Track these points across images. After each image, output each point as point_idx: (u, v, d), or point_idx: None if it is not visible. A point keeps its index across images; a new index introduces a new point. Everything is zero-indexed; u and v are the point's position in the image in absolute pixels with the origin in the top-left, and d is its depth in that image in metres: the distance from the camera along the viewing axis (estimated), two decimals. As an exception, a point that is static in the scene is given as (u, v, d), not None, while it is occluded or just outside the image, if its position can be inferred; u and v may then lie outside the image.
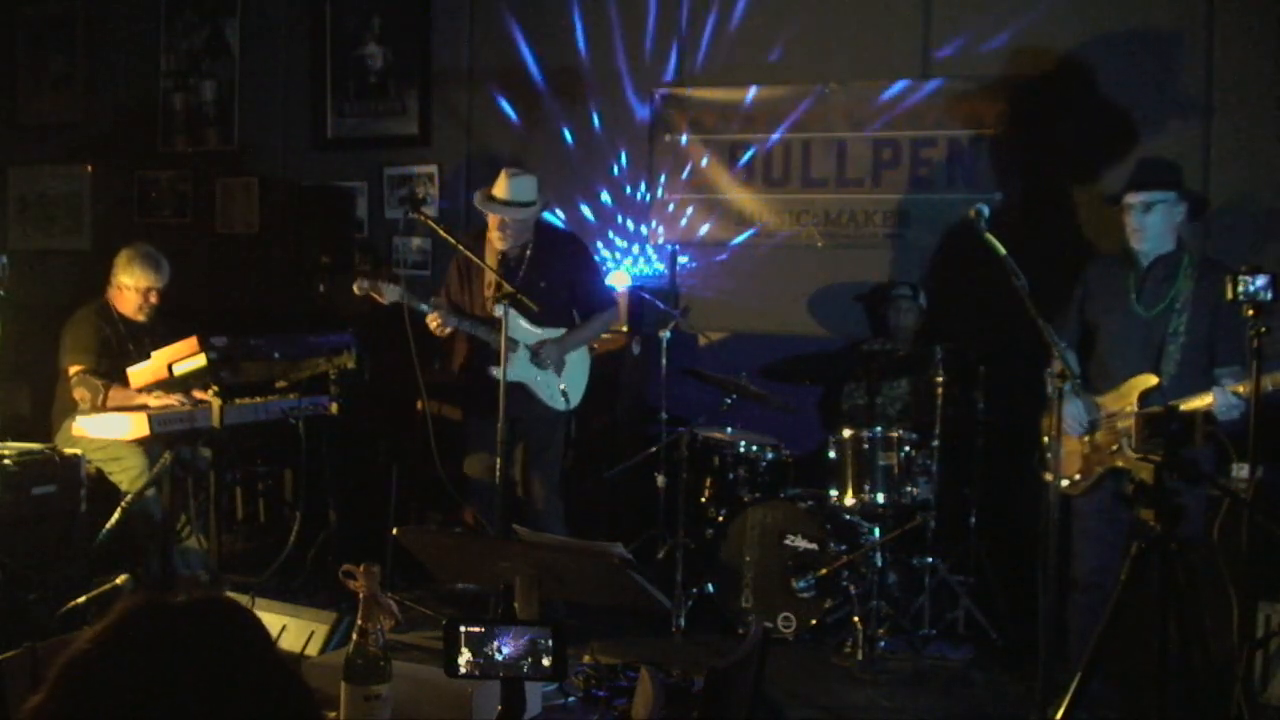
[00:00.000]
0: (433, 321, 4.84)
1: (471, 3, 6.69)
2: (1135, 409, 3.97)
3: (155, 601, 1.25)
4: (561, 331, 5.02)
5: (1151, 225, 4.07)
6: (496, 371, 4.93)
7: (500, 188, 4.95)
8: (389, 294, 4.81)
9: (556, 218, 6.43)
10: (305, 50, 7.10)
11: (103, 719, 1.17)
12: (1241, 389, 3.69)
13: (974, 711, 4.34)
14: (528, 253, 5.04)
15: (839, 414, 5.62)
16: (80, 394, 5.15)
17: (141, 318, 5.42)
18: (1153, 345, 4.06)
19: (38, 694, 1.21)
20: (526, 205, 4.95)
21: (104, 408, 5.04)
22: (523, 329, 4.88)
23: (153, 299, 5.42)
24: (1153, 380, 3.97)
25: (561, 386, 4.98)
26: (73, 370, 5.23)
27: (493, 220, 4.99)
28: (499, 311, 4.92)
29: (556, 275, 5.02)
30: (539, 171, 6.44)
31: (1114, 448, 4.02)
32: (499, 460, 4.66)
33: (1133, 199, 4.09)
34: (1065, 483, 4.19)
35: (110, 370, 5.23)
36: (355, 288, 4.84)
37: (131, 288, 5.37)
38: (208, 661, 1.21)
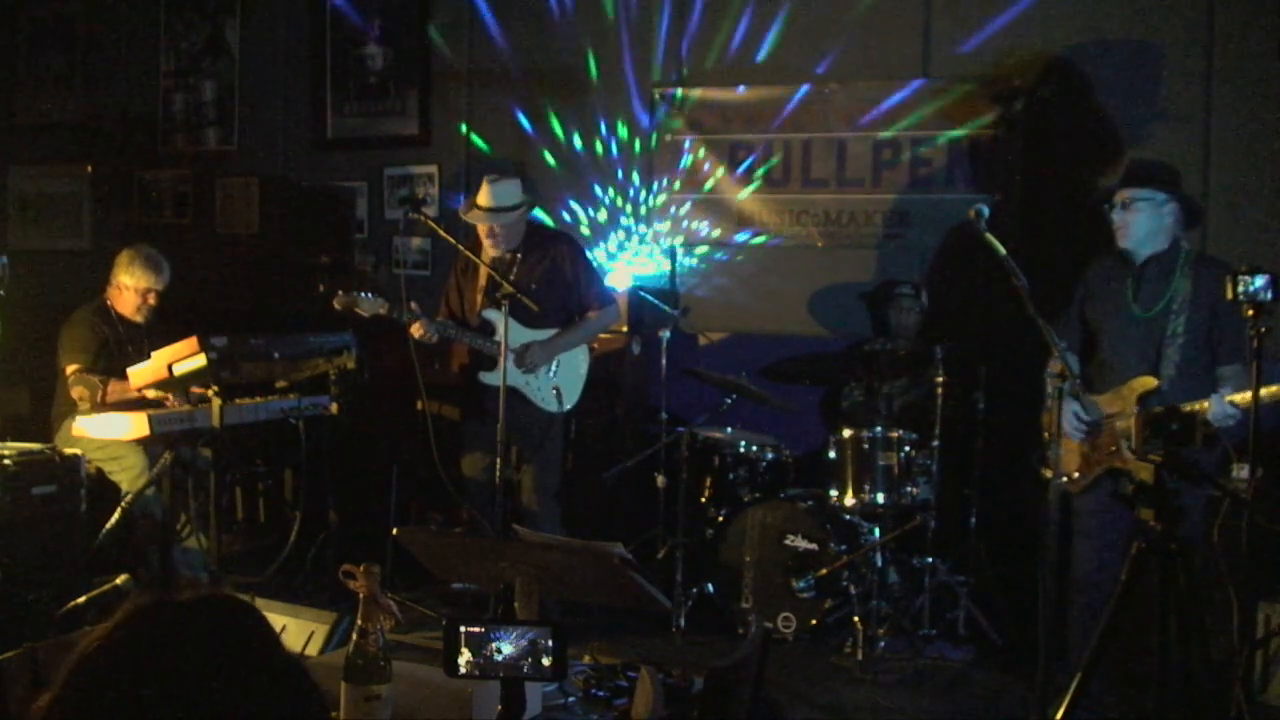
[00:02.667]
0: (416, 331, 4.81)
1: (471, 3, 6.69)
2: (1134, 411, 3.97)
3: (162, 600, 1.25)
4: (551, 333, 5.00)
5: (1135, 224, 4.06)
6: (487, 377, 4.93)
7: (483, 196, 4.95)
8: (367, 307, 4.79)
9: (554, 217, 6.44)
10: (305, 50, 7.10)
11: (113, 718, 1.17)
12: (1238, 399, 3.70)
13: (974, 711, 4.34)
14: (518, 256, 5.03)
15: (839, 414, 5.62)
16: (78, 392, 5.15)
17: (139, 319, 5.42)
18: (1151, 347, 4.04)
19: (47, 693, 1.21)
20: (511, 209, 4.94)
21: (103, 404, 5.04)
22: (512, 332, 4.81)
23: (151, 300, 5.41)
24: (1152, 382, 3.97)
25: (554, 387, 4.96)
26: (69, 369, 5.24)
27: (482, 229, 4.99)
28: (489, 315, 4.92)
29: (548, 275, 5.00)
30: (538, 172, 6.49)
31: (1112, 448, 4.02)
32: (498, 460, 4.66)
33: (1116, 196, 4.10)
34: (1064, 480, 4.19)
35: (108, 370, 5.23)
36: (335, 303, 4.83)
37: (131, 288, 5.37)
38: (215, 659, 1.21)
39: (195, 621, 1.24)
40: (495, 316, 4.84)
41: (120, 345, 5.35)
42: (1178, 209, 4.08)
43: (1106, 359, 4.16)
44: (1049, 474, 4.22)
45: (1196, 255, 4.12)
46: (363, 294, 4.81)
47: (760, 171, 6.08)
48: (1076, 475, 4.20)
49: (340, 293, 4.82)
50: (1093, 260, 4.27)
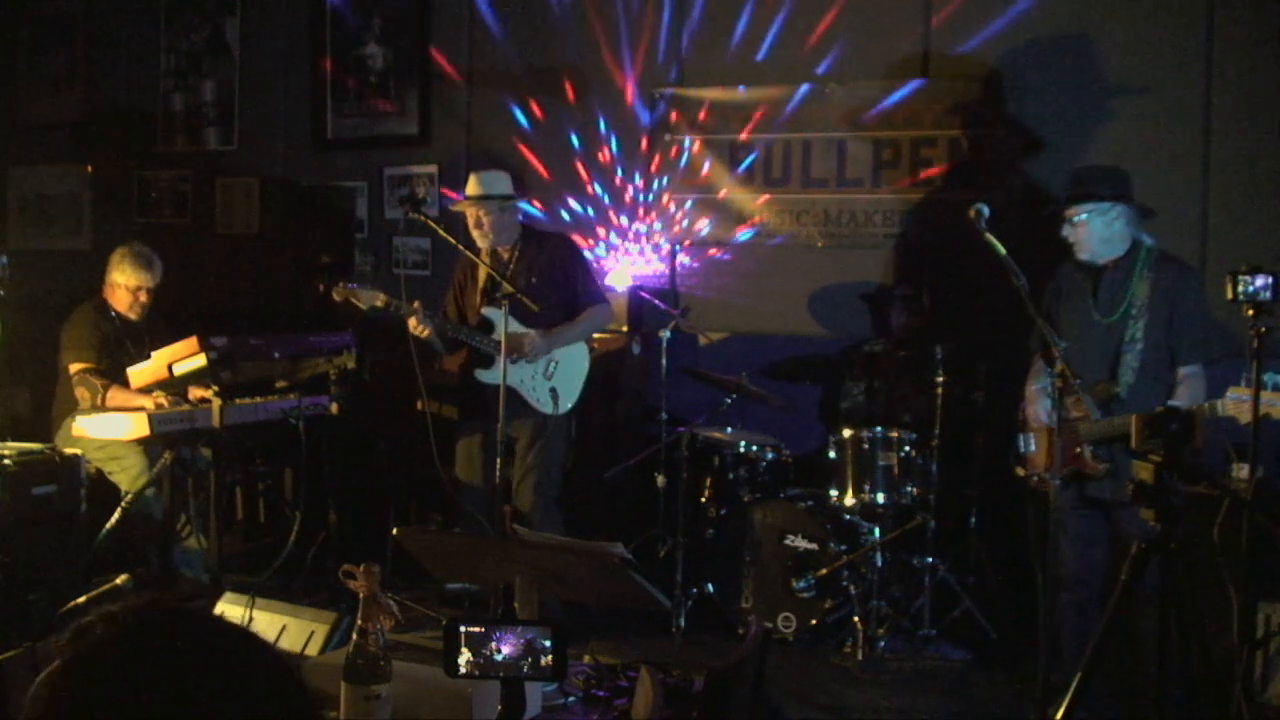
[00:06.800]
0: (412, 324, 4.79)
1: (471, 3, 6.69)
2: (1096, 416, 3.98)
3: (103, 624, 1.21)
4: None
5: (1086, 237, 4.07)
6: (483, 375, 4.92)
7: (470, 185, 4.99)
8: (365, 299, 4.78)
9: (553, 218, 6.44)
10: (305, 50, 7.10)
11: None
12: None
13: (974, 711, 4.34)
14: (515, 253, 5.04)
15: (839, 414, 5.62)
16: (81, 393, 5.17)
17: (133, 316, 5.43)
18: (1110, 352, 4.05)
19: None
20: (495, 198, 4.94)
21: (103, 406, 5.05)
22: (510, 329, 4.76)
23: (142, 298, 5.42)
24: (1113, 389, 3.98)
25: (551, 388, 4.95)
26: (74, 369, 5.25)
27: (469, 219, 5.00)
28: (489, 313, 4.92)
29: (545, 274, 5.00)
30: (538, 172, 6.49)
31: (1076, 451, 4.02)
32: (498, 460, 4.65)
33: (1065, 213, 4.11)
34: (1035, 478, 4.23)
35: (111, 368, 5.23)
36: (334, 294, 4.82)
37: (122, 285, 5.39)
38: (182, 675, 1.18)
39: (143, 641, 1.20)
40: (495, 314, 4.83)
41: (120, 342, 5.36)
42: (1128, 210, 4.06)
43: (1070, 362, 4.16)
44: (1021, 472, 4.25)
45: (1158, 255, 4.09)
46: (360, 286, 4.81)
47: (760, 171, 6.08)
48: (1047, 475, 4.22)
49: (340, 284, 4.82)
50: (1059, 264, 4.27)
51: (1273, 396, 3.38)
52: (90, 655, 1.18)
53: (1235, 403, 3.43)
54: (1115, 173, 4.19)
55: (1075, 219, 4.07)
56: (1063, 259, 4.26)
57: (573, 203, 6.48)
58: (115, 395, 5.11)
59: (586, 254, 5.66)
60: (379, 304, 4.79)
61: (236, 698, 1.19)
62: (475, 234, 4.99)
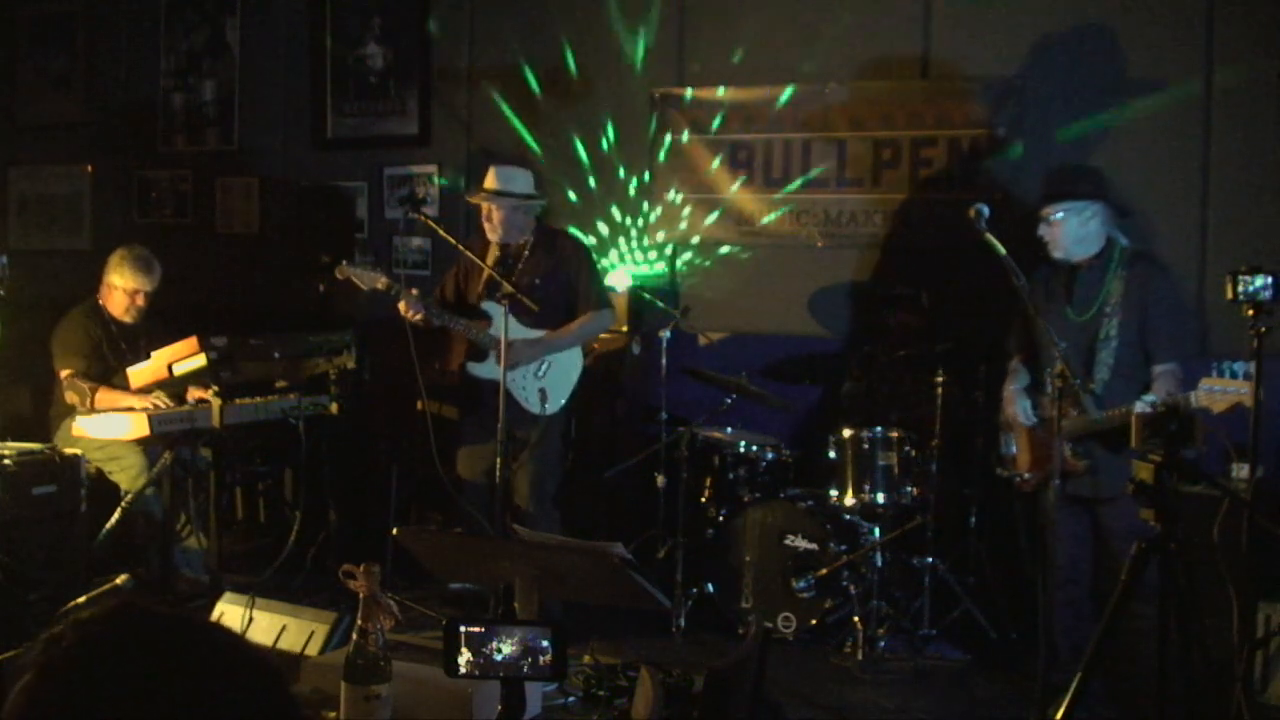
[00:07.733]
0: (403, 307, 4.80)
1: (471, 3, 6.69)
2: (1072, 414, 3.99)
3: (78, 630, 1.18)
4: (542, 334, 4.98)
5: (1061, 235, 4.09)
6: (474, 368, 4.94)
7: (488, 178, 5.02)
8: (366, 280, 4.81)
9: (553, 217, 6.43)
10: (305, 50, 7.10)
11: None
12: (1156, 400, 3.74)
13: (974, 711, 4.34)
14: (525, 251, 5.04)
15: (839, 414, 5.62)
16: (71, 397, 5.18)
17: (128, 319, 5.41)
18: (1085, 350, 4.06)
19: None
20: (509, 195, 4.95)
21: (92, 410, 5.05)
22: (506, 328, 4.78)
23: (139, 301, 5.40)
24: (1089, 386, 3.99)
25: (540, 388, 4.94)
26: (62, 374, 5.25)
27: (481, 210, 5.02)
28: (487, 307, 4.93)
29: (551, 274, 5.01)
30: (540, 172, 6.48)
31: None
32: (497, 460, 4.66)
33: (1040, 213, 4.12)
34: (1018, 479, 4.24)
35: (101, 371, 5.23)
36: (337, 272, 4.86)
37: (120, 288, 5.37)
38: (157, 680, 1.15)
39: (111, 650, 1.16)
40: (494, 309, 4.84)
41: (114, 345, 5.35)
42: (1104, 209, 4.09)
43: (1045, 362, 4.18)
44: (1005, 474, 4.26)
45: (1133, 254, 4.12)
46: (363, 267, 4.84)
47: (760, 171, 6.08)
48: (1029, 475, 4.23)
49: (344, 263, 4.86)
50: (1041, 262, 4.28)
51: (1243, 385, 3.39)
52: (61, 664, 1.16)
53: (1207, 394, 3.44)
54: (1091, 171, 4.23)
55: (1051, 217, 4.09)
56: (1041, 260, 4.28)
57: (572, 202, 6.47)
58: (104, 396, 5.11)
59: (595, 258, 5.65)
60: (380, 286, 4.81)
61: (215, 702, 1.16)
62: (485, 226, 5.01)
